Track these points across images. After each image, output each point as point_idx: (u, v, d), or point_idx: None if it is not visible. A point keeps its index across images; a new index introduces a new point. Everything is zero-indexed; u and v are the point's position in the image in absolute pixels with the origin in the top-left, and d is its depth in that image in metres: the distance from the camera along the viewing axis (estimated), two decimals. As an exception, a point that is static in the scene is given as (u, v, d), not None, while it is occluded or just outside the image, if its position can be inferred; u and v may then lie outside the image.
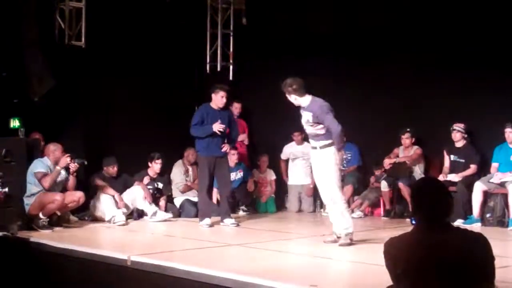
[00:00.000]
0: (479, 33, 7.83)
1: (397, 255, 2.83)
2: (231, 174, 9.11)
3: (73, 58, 8.53)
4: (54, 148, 7.14)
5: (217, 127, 7.45)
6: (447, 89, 8.14)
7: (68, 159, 7.02)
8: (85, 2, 8.66)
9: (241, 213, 9.00)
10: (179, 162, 8.93)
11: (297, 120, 9.38)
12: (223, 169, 7.61)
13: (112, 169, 7.91)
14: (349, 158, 9.03)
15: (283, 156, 9.46)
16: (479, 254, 2.75)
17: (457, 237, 2.79)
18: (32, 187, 6.96)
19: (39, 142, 7.43)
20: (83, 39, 8.68)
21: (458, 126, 7.91)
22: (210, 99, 10.10)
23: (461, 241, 2.77)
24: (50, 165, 7.09)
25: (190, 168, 8.94)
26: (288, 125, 9.44)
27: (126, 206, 7.76)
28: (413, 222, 2.99)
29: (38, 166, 7.00)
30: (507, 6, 7.42)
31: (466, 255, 2.72)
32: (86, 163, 7.36)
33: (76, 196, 7.10)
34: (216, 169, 7.52)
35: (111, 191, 7.64)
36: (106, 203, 7.61)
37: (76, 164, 7.14)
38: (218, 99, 7.62)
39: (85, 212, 7.78)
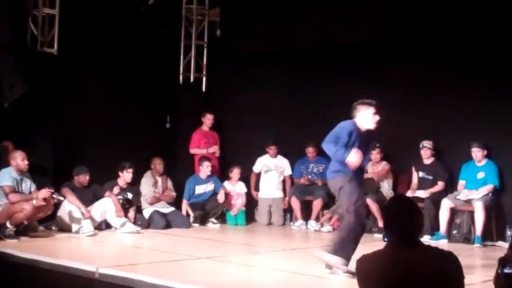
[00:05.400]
0: (447, 53, 7.99)
1: (369, 273, 2.86)
2: (202, 186, 9.13)
3: (44, 65, 8.43)
4: (15, 156, 7.06)
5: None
6: (415, 106, 8.28)
7: (49, 193, 6.92)
8: (59, 9, 8.59)
9: (210, 225, 8.97)
10: (148, 173, 8.85)
11: (270, 133, 9.53)
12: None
13: (84, 179, 7.80)
14: (320, 171, 9.10)
15: (256, 168, 9.47)
16: (450, 272, 2.79)
17: (428, 255, 2.83)
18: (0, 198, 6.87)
19: (6, 149, 7.32)
20: (55, 45, 8.59)
21: (428, 143, 8.03)
22: (183, 108, 10.14)
23: (432, 259, 2.81)
24: (16, 175, 7.01)
25: (159, 179, 8.87)
26: (260, 138, 9.51)
27: (93, 219, 7.65)
28: (385, 239, 3.03)
29: (5, 179, 6.91)
30: (476, 25, 7.57)
31: (437, 273, 2.75)
32: (63, 199, 7.28)
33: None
34: None
35: (77, 202, 7.52)
36: (73, 213, 7.51)
37: (55, 199, 7.06)
38: (369, 117, 5.50)
39: (51, 222, 7.66)
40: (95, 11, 8.83)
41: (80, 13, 8.69)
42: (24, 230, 6.95)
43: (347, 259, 5.13)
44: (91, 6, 8.78)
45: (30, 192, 7.08)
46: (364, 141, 5.54)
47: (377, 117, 5.49)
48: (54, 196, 7.02)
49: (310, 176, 9.11)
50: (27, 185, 7.13)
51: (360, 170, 5.50)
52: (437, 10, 7.71)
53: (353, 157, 5.24)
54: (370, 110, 5.49)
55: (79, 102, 8.70)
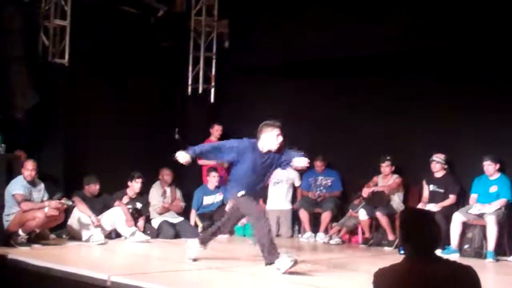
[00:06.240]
0: (456, 65, 8.00)
1: (387, 286, 2.83)
2: (211, 197, 9.12)
3: (55, 75, 8.50)
4: (25, 165, 7.11)
5: None
6: (427, 118, 8.28)
7: (60, 205, 6.97)
8: (70, 20, 8.67)
9: (218, 236, 8.93)
10: (157, 183, 8.88)
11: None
12: None
13: (94, 188, 7.83)
14: (329, 184, 9.09)
15: (265, 180, 9.45)
16: (469, 286, 2.76)
17: (447, 269, 2.79)
18: (12, 206, 6.91)
19: (19, 158, 7.37)
20: (66, 56, 8.65)
21: (438, 157, 7.97)
22: (192, 119, 10.16)
23: (451, 272, 2.77)
24: (27, 184, 7.06)
25: (168, 189, 8.88)
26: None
27: (103, 228, 7.65)
28: (402, 252, 3.00)
29: (16, 187, 6.97)
30: (480, 35, 7.59)
31: (456, 287, 2.73)
32: (71, 204, 7.30)
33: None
34: None
35: (87, 211, 7.54)
36: (83, 221, 7.52)
37: (64, 205, 7.09)
38: (272, 139, 5.88)
39: (62, 230, 7.68)
40: (105, 23, 8.92)
41: (91, 24, 8.77)
42: (35, 238, 6.98)
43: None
44: (102, 18, 8.87)
45: (43, 201, 7.10)
46: (264, 162, 5.84)
47: (280, 139, 5.77)
48: (62, 201, 7.03)
49: (318, 191, 9.09)
50: (40, 194, 7.18)
51: (252, 185, 5.87)
52: (446, 22, 7.74)
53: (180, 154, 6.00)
54: (274, 132, 5.78)
55: (89, 113, 8.78)
